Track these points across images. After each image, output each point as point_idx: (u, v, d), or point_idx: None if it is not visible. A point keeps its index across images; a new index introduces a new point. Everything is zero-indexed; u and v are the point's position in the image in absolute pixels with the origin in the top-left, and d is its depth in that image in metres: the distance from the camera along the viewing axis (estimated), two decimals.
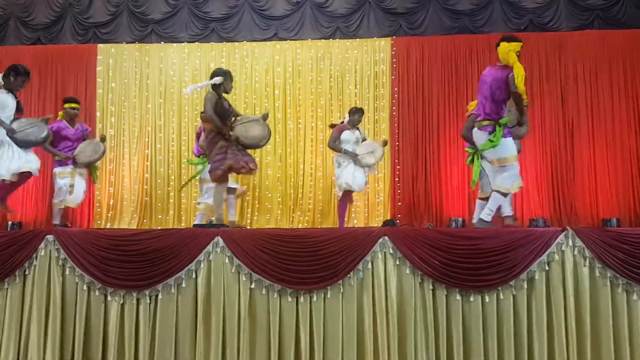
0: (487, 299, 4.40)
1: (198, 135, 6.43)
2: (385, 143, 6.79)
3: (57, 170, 6.25)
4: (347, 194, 6.55)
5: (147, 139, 8.22)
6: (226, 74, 5.21)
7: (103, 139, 6.51)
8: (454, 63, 8.07)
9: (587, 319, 4.37)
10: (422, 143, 7.97)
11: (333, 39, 8.30)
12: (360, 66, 8.23)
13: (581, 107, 7.85)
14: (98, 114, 8.25)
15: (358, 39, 8.27)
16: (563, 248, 4.43)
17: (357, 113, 6.57)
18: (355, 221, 7.90)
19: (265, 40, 8.37)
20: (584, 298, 4.39)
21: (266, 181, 8.11)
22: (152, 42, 8.42)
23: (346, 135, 6.44)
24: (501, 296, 4.40)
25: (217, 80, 5.08)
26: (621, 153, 7.73)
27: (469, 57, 8.05)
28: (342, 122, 6.62)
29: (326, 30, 8.32)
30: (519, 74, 4.56)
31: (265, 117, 5.33)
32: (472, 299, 4.41)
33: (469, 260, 4.43)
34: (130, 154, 8.13)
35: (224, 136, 5.06)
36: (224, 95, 5.21)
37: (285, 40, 8.35)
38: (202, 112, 5.30)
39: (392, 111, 8.09)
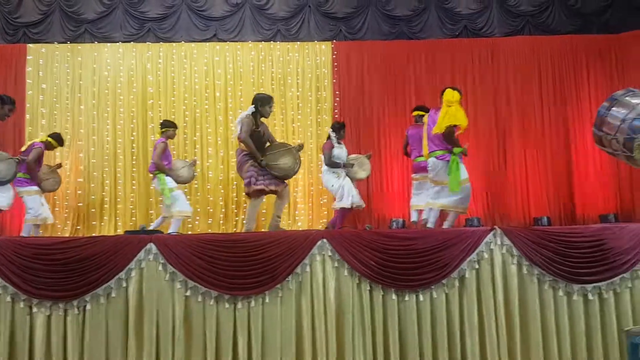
0: (421, 298, 4.50)
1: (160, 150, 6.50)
2: (369, 156, 6.92)
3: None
4: (349, 210, 6.45)
5: (80, 142, 7.91)
6: (264, 100, 5.55)
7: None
8: (393, 67, 8.21)
9: (516, 314, 4.55)
10: (364, 146, 8.03)
11: (274, 41, 8.27)
12: (301, 69, 8.23)
13: (513, 110, 8.16)
14: (28, 116, 7.86)
15: (299, 42, 8.28)
16: (492, 247, 4.59)
17: (342, 129, 6.64)
18: (299, 224, 7.89)
19: (204, 41, 8.23)
20: (512, 295, 4.56)
21: (208, 184, 7.97)
22: (85, 42, 8.12)
23: (336, 151, 6.47)
24: (434, 295, 4.52)
25: (252, 109, 5.50)
26: (551, 153, 8.09)
27: (406, 62, 8.22)
28: (328, 139, 6.56)
29: (267, 33, 8.27)
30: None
31: (299, 148, 5.68)
32: (407, 298, 4.50)
33: (403, 260, 4.53)
34: (62, 157, 7.78)
35: (255, 160, 5.44)
36: (263, 120, 5.61)
37: (225, 41, 8.24)
38: (239, 134, 5.49)
39: (334, 114, 8.14)
